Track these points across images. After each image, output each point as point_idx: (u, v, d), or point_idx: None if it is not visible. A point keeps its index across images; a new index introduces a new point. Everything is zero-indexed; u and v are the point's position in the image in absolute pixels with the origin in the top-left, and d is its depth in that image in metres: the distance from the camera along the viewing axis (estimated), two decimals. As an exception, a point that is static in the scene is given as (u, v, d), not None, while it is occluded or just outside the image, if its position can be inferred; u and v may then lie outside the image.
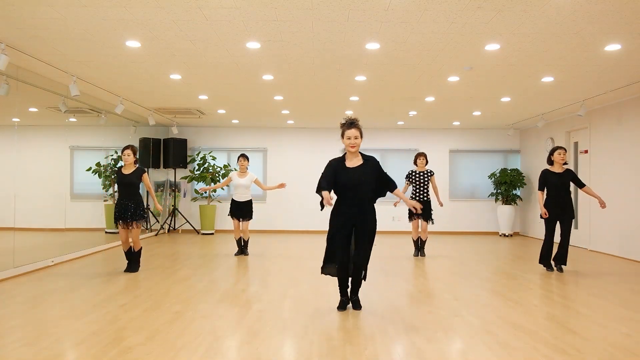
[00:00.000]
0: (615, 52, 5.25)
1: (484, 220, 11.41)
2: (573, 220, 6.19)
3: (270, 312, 4.18)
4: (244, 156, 7.41)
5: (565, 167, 6.30)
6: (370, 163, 4.22)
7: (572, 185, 6.25)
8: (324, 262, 4.31)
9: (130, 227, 5.87)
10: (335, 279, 4.94)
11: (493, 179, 11.09)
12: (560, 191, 6.14)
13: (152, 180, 10.87)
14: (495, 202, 11.15)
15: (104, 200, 8.70)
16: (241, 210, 7.35)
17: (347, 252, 4.22)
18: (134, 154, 6.02)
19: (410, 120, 10.24)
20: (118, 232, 6.08)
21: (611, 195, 7.93)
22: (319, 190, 4.13)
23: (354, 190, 4.14)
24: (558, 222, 6.20)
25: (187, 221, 11.08)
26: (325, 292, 4.95)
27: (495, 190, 11.03)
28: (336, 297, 4.63)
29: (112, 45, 5.19)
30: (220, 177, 10.84)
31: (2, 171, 6.03)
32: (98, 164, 8.48)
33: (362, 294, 4.65)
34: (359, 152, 4.25)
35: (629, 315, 4.18)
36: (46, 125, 7.19)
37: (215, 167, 10.88)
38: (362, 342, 3.39)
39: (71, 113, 7.56)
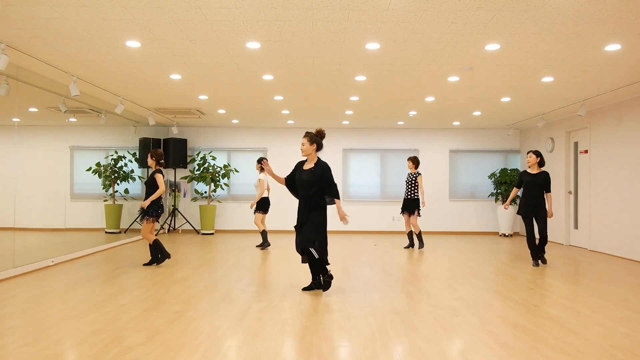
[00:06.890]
0: (615, 52, 5.25)
1: (484, 220, 11.41)
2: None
3: (270, 312, 4.18)
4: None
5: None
6: (319, 167, 4.86)
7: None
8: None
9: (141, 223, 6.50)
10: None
11: (493, 179, 11.09)
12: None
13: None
14: (495, 202, 11.16)
15: (104, 200, 8.70)
16: None
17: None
18: (150, 157, 6.51)
19: (410, 120, 10.24)
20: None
21: (611, 195, 7.94)
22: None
23: (301, 188, 4.89)
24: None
25: (187, 221, 11.08)
26: (325, 291, 4.95)
27: (495, 191, 11.03)
28: (336, 297, 4.69)
29: (112, 45, 5.19)
30: (220, 177, 10.84)
31: (2, 171, 6.03)
32: (98, 164, 8.48)
33: (362, 293, 4.67)
34: (317, 157, 4.92)
35: (629, 315, 4.18)
36: (46, 125, 7.19)
37: (215, 167, 10.88)
38: (362, 342, 3.39)
39: (71, 113, 7.56)
